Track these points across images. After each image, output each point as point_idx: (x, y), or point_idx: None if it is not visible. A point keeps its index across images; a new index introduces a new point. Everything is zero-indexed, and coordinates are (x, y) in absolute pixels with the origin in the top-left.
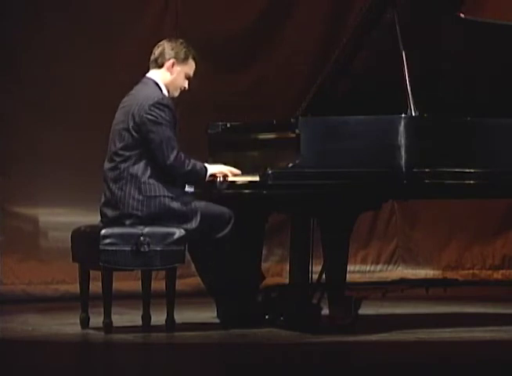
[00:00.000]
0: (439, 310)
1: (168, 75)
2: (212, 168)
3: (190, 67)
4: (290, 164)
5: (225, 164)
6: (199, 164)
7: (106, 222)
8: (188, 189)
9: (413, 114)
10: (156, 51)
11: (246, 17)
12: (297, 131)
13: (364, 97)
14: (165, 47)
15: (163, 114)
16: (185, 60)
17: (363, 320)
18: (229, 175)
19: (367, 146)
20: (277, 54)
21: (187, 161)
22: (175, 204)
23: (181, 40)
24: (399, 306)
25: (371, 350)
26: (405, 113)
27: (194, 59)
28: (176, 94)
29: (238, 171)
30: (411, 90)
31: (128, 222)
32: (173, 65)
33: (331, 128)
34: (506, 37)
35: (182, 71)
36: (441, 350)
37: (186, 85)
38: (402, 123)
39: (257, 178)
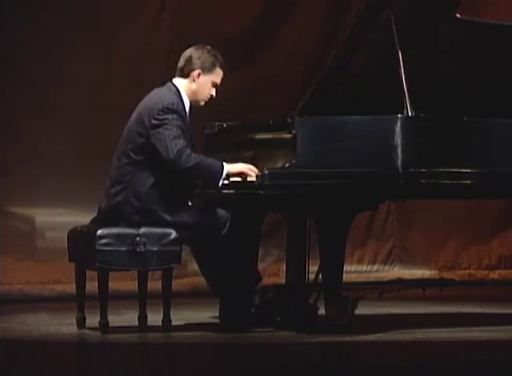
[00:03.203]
0: (436, 310)
1: (193, 85)
2: (231, 167)
3: (217, 76)
4: (287, 165)
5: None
6: (211, 160)
7: (99, 218)
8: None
9: (410, 114)
10: (183, 59)
11: (244, 17)
12: (293, 131)
13: (361, 97)
14: (192, 56)
15: (169, 117)
16: (211, 69)
17: (360, 320)
18: (250, 174)
19: (364, 147)
20: (275, 54)
21: (194, 156)
22: (171, 218)
23: (208, 47)
24: (396, 306)
25: (368, 350)
26: (402, 114)
27: (221, 66)
28: (202, 103)
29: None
30: (407, 90)
31: (122, 224)
32: (199, 75)
33: (328, 128)
34: (503, 37)
35: (209, 81)
36: (437, 350)
37: (214, 93)
38: (399, 123)
39: (253, 179)
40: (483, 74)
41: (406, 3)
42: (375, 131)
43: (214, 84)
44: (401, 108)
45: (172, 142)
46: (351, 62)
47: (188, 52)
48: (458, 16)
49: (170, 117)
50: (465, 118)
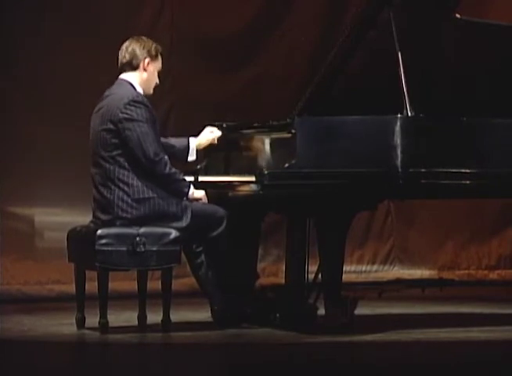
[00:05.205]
0: (435, 310)
1: (144, 75)
2: (197, 193)
3: (160, 62)
4: (286, 164)
5: (222, 164)
6: (182, 176)
7: (100, 225)
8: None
9: (409, 114)
10: (127, 54)
11: (244, 17)
12: (293, 131)
13: (360, 97)
14: (135, 48)
15: (138, 111)
16: (156, 56)
17: (359, 320)
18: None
19: (363, 146)
20: (275, 54)
21: (169, 166)
22: (165, 205)
23: (143, 37)
24: (395, 306)
25: (367, 350)
26: (401, 114)
27: (161, 53)
28: (151, 91)
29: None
30: (407, 90)
31: (118, 223)
32: (148, 64)
33: (327, 127)
34: (503, 37)
35: (155, 68)
36: (437, 350)
37: (158, 81)
38: (398, 123)
39: (253, 179)
40: (483, 74)
41: (406, 3)
42: (374, 131)
43: (158, 71)
44: (400, 108)
45: (147, 141)
46: (350, 61)
47: (128, 46)
48: (458, 16)
49: (138, 111)
50: (465, 118)
